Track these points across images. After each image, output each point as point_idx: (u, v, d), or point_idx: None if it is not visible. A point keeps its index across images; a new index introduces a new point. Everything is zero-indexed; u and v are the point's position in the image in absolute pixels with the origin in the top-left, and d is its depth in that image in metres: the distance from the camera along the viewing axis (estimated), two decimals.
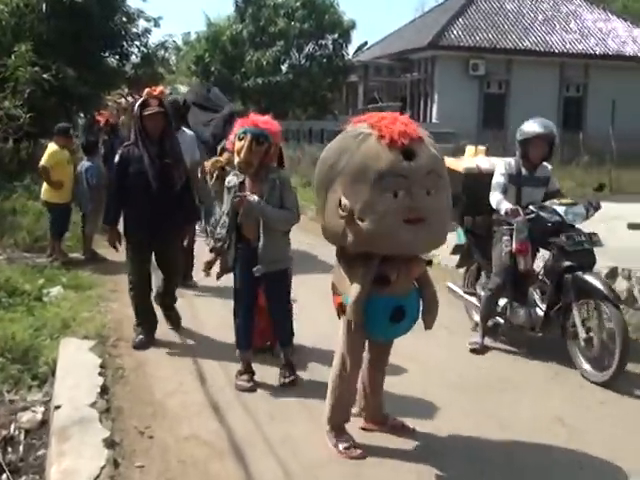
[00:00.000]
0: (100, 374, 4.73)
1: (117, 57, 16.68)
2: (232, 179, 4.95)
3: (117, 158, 5.73)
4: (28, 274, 7.67)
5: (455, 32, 26.81)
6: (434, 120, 26.37)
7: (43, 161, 9.01)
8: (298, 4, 24.99)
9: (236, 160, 4.72)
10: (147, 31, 16.49)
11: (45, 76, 11.06)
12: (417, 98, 28.11)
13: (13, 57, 10.14)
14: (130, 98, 26.93)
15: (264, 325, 5.27)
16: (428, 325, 4.07)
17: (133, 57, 16.76)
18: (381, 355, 4.25)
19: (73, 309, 6.52)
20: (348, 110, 30.49)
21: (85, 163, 9.65)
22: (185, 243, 6.26)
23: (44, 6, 14.56)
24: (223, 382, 4.99)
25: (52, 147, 9.16)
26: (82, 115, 20.13)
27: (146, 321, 5.84)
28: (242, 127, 4.71)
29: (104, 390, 4.52)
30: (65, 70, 13.60)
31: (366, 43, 34.45)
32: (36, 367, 4.94)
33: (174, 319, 6.24)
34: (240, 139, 4.68)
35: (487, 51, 26.60)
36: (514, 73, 26.99)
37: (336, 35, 26.08)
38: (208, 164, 8.34)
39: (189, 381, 5.02)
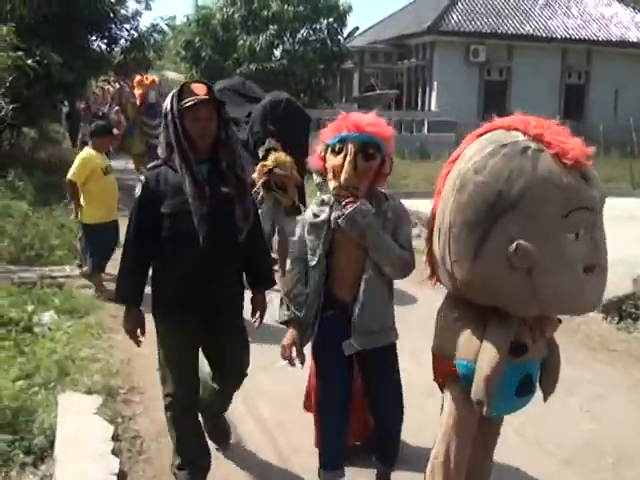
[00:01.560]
0: (113, 452, 3.65)
1: (105, 41, 15.47)
2: (320, 211, 3.33)
3: (138, 190, 3.45)
4: (14, 295, 6.55)
5: (455, 17, 25.85)
6: (433, 108, 25.45)
7: (72, 174, 7.16)
8: None
9: (332, 184, 3.24)
10: (137, 14, 15.33)
11: (29, 62, 9.82)
12: (415, 85, 27.13)
13: None
14: (117, 85, 25.85)
15: (356, 419, 3.70)
16: (548, 390, 3.08)
17: (122, 41, 15.53)
18: (493, 436, 3.23)
19: (70, 344, 5.43)
20: (342, 98, 29.44)
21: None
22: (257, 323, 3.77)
23: None
24: None
25: (87, 153, 7.30)
26: (66, 104, 18.96)
27: (194, 462, 3.56)
28: (337, 133, 3.22)
29: (121, 478, 3.46)
30: (50, 55, 12.43)
31: (357, 28, 33.27)
32: (29, 437, 3.84)
33: (220, 432, 4.05)
34: (336, 151, 3.20)
35: (488, 36, 25.65)
36: (515, 59, 26.10)
37: (331, 19, 24.88)
38: (255, 175, 7.07)
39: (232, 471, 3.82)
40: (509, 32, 25.93)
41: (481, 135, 2.91)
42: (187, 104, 3.29)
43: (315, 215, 3.33)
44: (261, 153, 7.50)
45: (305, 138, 8.36)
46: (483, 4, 26.83)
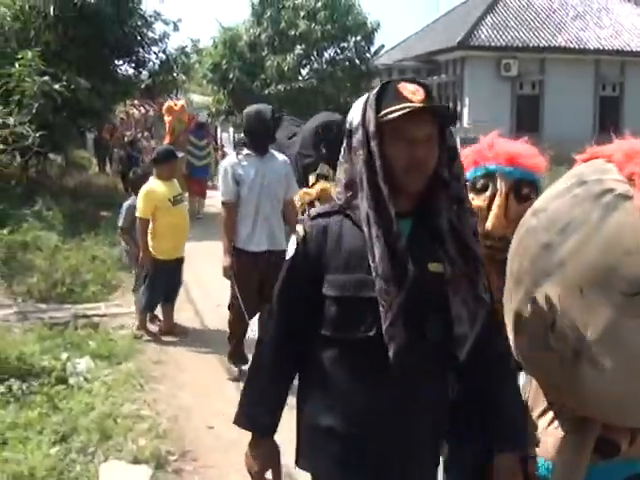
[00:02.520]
0: None
1: (132, 65, 15.05)
2: None
3: (291, 249, 2.26)
4: (46, 339, 6.02)
5: (485, 31, 25.36)
6: (465, 125, 24.81)
7: (140, 212, 6.50)
8: (319, 5, 23.30)
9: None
10: (165, 35, 14.89)
11: (56, 87, 9.33)
12: (445, 101, 26.56)
13: (17, 65, 8.45)
14: (142, 109, 25.55)
15: None
16: None
17: (150, 64, 15.10)
18: None
19: (110, 397, 4.86)
20: None
21: (128, 203, 7.11)
22: None
23: (52, 9, 12.94)
24: None
25: (152, 185, 6.57)
26: (92, 130, 18.61)
27: None
28: (480, 164, 2.48)
29: None
30: (77, 81, 12.00)
31: (383, 46, 32.78)
32: None
33: None
34: (478, 189, 2.46)
35: (519, 50, 25.11)
36: (548, 73, 25.51)
37: (359, 37, 24.42)
38: (296, 200, 6.32)
39: None
40: (541, 45, 25.37)
41: (584, 161, 2.18)
42: (393, 115, 1.96)
43: None
44: (312, 179, 6.92)
45: None
46: (513, 17, 26.32)
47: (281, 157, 5.71)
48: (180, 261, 6.80)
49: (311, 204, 6.59)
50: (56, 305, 7.38)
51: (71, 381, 5.13)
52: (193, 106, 24.00)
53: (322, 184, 6.88)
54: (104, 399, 4.81)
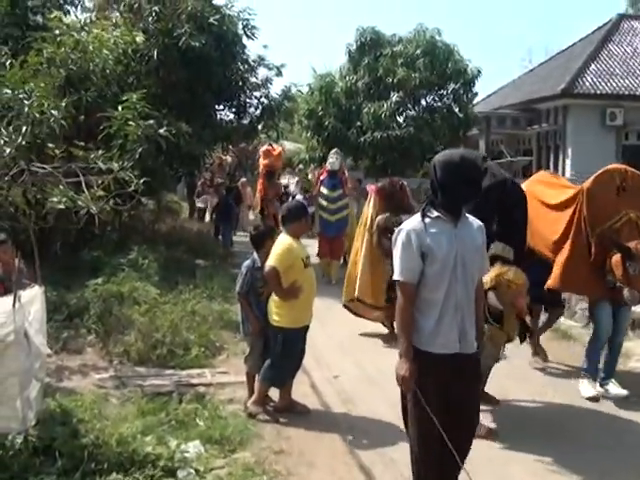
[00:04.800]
0: None
1: (234, 110, 14.63)
2: None
3: None
4: (147, 414, 5.29)
5: (589, 79, 24.29)
6: (567, 175, 23.60)
7: (274, 261, 5.86)
8: (418, 52, 22.74)
9: None
10: (268, 80, 14.41)
11: (161, 132, 8.81)
12: (545, 151, 25.55)
13: (120, 108, 7.95)
14: (231, 154, 25.30)
15: None
16: None
17: (252, 109, 14.66)
18: None
19: None
20: None
21: (247, 263, 6.37)
22: None
23: (155, 53, 12.65)
24: None
25: (285, 241, 5.96)
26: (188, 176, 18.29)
27: None
28: None
29: None
30: (178, 125, 11.58)
31: (477, 94, 32.05)
32: None
33: None
34: None
35: (626, 98, 23.91)
36: None
37: (457, 85, 23.72)
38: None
39: None
40: None
41: None
42: None
43: None
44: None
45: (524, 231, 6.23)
46: (618, 65, 25.22)
47: (475, 221, 4.25)
48: (307, 329, 6.06)
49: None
50: (156, 370, 6.72)
51: (180, 475, 4.34)
52: (285, 153, 23.61)
53: (498, 268, 5.46)
54: None
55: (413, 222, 4.06)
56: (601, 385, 6.70)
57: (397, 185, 9.02)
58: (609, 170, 6.68)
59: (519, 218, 6.06)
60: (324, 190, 12.95)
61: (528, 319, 6.71)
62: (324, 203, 12.93)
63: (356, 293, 8.85)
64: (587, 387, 6.68)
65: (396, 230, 4.09)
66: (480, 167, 4.11)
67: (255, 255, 6.28)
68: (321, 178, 13.27)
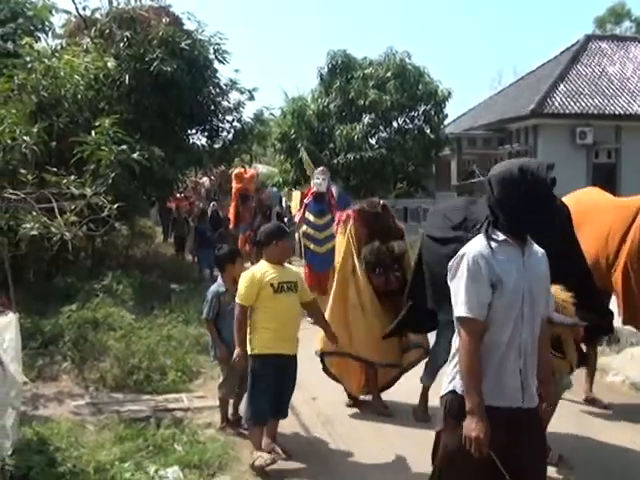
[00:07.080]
0: None
1: (206, 134, 14.66)
2: None
3: None
4: (125, 440, 5.24)
5: (558, 99, 24.72)
6: None
7: (238, 298, 5.45)
8: (389, 74, 23.01)
9: None
10: (240, 104, 14.45)
11: (134, 156, 8.81)
12: None
13: (93, 134, 7.97)
14: (206, 178, 25.30)
15: None
16: None
17: (224, 133, 14.69)
18: None
19: None
20: (439, 186, 28.34)
21: (214, 287, 6.23)
22: None
23: (127, 78, 12.65)
24: None
25: (248, 272, 5.55)
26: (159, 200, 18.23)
27: None
28: None
29: None
30: (151, 150, 11.56)
31: (447, 115, 32.41)
32: None
33: None
34: None
35: (595, 117, 24.34)
36: (624, 141, 24.62)
37: (429, 106, 24.00)
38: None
39: None
40: (616, 112, 24.58)
41: None
42: None
43: None
44: None
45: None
46: (587, 85, 25.69)
47: (539, 248, 3.55)
48: (293, 359, 5.66)
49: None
50: (133, 395, 6.65)
51: None
52: (259, 177, 23.66)
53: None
54: None
55: (477, 246, 3.37)
56: None
57: (378, 205, 7.12)
58: None
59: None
60: (310, 216, 10.97)
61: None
62: (310, 231, 10.98)
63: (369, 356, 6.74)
64: None
65: (456, 256, 3.40)
66: (545, 178, 3.38)
67: (220, 279, 6.21)
68: (305, 201, 11.28)
